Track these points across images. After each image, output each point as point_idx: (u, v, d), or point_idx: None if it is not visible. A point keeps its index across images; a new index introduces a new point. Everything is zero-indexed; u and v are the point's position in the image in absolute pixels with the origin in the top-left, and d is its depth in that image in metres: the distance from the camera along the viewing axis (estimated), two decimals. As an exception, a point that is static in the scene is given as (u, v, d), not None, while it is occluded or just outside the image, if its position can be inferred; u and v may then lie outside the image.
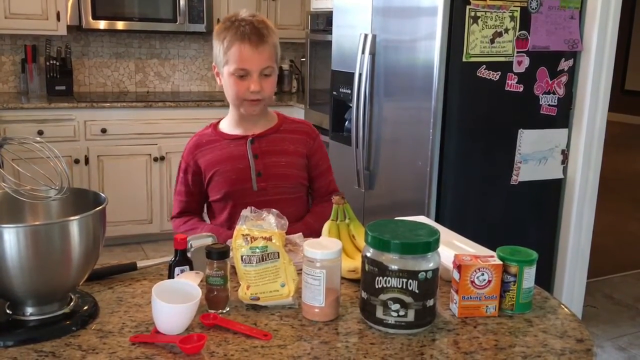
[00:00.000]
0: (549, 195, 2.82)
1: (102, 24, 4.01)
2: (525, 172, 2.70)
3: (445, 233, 1.48)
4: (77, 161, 3.83)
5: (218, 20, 4.28)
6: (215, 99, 4.22)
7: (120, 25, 4.07)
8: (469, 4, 2.44)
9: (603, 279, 3.75)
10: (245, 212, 1.26)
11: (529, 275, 1.23)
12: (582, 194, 2.81)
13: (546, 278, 2.90)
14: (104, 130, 3.88)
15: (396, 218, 1.32)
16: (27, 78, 4.12)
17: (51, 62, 4.05)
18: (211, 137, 1.79)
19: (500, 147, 2.65)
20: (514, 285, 1.23)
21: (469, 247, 1.44)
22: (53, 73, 4.06)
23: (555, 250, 2.91)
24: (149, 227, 4.11)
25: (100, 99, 4.05)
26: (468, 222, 2.64)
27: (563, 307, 1.30)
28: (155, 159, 4.02)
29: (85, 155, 3.86)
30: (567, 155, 2.79)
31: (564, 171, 2.81)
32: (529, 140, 2.67)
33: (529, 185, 2.72)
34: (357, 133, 3.02)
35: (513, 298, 1.23)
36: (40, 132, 3.69)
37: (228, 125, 1.80)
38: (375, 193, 3.01)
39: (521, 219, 2.77)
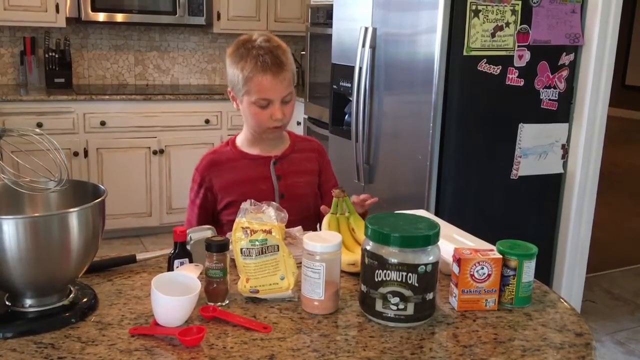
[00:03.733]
0: (549, 189, 2.82)
1: (101, 16, 4.00)
2: (525, 166, 2.70)
3: (445, 227, 1.48)
4: (76, 154, 3.83)
5: (218, 14, 4.27)
6: (215, 92, 4.22)
7: (119, 17, 4.06)
8: (470, -3, 2.44)
9: (602, 274, 3.76)
10: (245, 205, 1.26)
11: (529, 269, 1.23)
12: (582, 188, 2.81)
13: (545, 272, 2.90)
14: (103, 123, 3.87)
15: (396, 211, 1.32)
16: (26, 70, 4.11)
17: (50, 54, 4.04)
18: (230, 155, 1.75)
19: (501, 141, 2.65)
20: (514, 279, 1.23)
21: (469, 241, 1.44)
22: (52, 65, 4.05)
23: (555, 244, 2.92)
24: (148, 220, 4.11)
25: (100, 91, 4.04)
26: (468, 215, 2.64)
27: (562, 301, 1.30)
28: (155, 152, 4.02)
29: (85, 148, 3.85)
30: (567, 150, 2.79)
31: (564, 166, 2.80)
32: (529, 134, 2.67)
33: (529, 179, 2.72)
34: (357, 127, 3.02)
35: (512, 292, 1.23)
36: (39, 125, 3.69)
37: (246, 143, 1.76)
38: (375, 187, 3.01)
39: (521, 213, 2.77)
